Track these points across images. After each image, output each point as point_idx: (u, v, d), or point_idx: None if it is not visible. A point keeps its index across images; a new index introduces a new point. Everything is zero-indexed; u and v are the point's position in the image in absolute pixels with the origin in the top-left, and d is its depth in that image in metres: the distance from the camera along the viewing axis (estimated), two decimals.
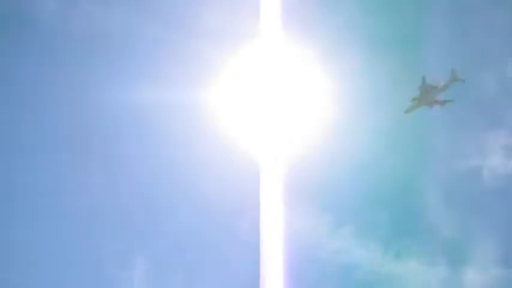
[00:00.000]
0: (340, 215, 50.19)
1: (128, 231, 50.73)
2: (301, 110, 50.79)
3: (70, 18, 52.29)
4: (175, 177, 50.40)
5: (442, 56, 51.57)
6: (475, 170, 50.48)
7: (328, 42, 50.81)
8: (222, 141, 50.41)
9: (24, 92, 52.08)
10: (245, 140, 50.53)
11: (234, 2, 51.46)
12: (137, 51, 51.97)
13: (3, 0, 52.49)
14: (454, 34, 51.63)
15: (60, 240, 50.44)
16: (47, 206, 50.87)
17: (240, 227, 49.77)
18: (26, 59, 52.29)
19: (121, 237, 50.49)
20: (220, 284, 49.86)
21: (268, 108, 50.58)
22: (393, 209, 50.16)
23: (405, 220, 50.19)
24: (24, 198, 50.93)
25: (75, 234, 50.51)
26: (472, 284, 48.23)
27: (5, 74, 51.92)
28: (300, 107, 50.82)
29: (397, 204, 50.25)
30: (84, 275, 49.99)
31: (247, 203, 49.59)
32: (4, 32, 52.29)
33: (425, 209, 50.07)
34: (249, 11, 50.91)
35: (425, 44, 51.37)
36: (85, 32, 52.00)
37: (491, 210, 49.95)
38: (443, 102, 48.97)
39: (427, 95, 48.40)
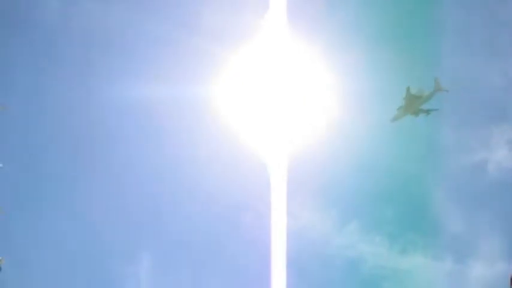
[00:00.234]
0: (346, 210, 50.31)
1: (135, 228, 50.88)
2: (307, 107, 50.81)
3: (71, 16, 52.29)
4: (180, 174, 50.51)
5: (448, 51, 51.58)
6: (481, 164, 50.57)
7: (332, 40, 50.81)
8: (228, 138, 50.49)
9: (25, 88, 52.07)
10: (251, 137, 50.60)
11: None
12: (139, 49, 51.97)
13: None
14: (459, 29, 51.67)
15: (68, 237, 50.60)
16: (53, 204, 51.01)
17: (246, 223, 49.90)
18: (27, 56, 52.29)
19: (128, 234, 50.64)
20: (227, 279, 50.01)
21: (273, 105, 50.65)
22: (399, 204, 50.24)
23: (411, 215, 50.29)
24: (32, 196, 51.06)
25: (82, 231, 50.68)
26: (477, 278, 48.34)
27: (6, 71, 51.90)
28: (305, 104, 50.85)
29: (402, 200, 50.33)
30: (91, 270, 50.18)
31: (254, 199, 49.72)
32: (5, 29, 52.25)
33: (431, 203, 50.16)
34: (252, 8, 50.90)
35: (431, 40, 51.36)
36: (86, 30, 52.01)
37: (497, 205, 50.02)
38: (428, 111, 49.96)
39: (411, 105, 49.68)
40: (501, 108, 51.15)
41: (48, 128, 51.54)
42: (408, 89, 49.49)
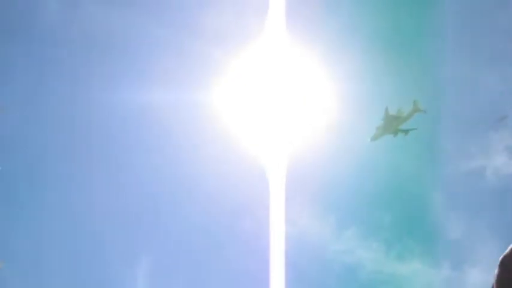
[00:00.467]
0: (344, 216, 50.39)
1: (133, 231, 50.91)
2: (306, 110, 50.80)
3: (72, 18, 52.21)
4: (179, 178, 50.52)
5: (447, 55, 51.65)
6: (479, 170, 50.60)
7: (332, 44, 50.80)
8: (226, 142, 50.48)
9: (26, 92, 52.06)
10: (250, 141, 50.58)
11: (238, 2, 51.37)
12: (141, 52, 51.93)
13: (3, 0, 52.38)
14: (459, 34, 51.70)
15: (65, 239, 50.63)
16: (51, 205, 51.03)
17: (243, 228, 49.93)
18: (26, 58, 52.24)
19: (126, 237, 50.67)
20: (225, 283, 50.07)
21: (272, 108, 50.62)
22: (397, 211, 50.33)
23: (409, 221, 50.38)
24: (31, 198, 51.10)
25: (80, 233, 50.69)
26: (475, 284, 48.40)
27: (6, 73, 51.88)
28: (304, 108, 50.83)
29: (400, 206, 50.41)
30: (89, 274, 50.22)
31: (252, 203, 49.72)
32: (4, 31, 52.22)
33: (429, 210, 50.24)
34: (253, 11, 50.86)
35: (430, 44, 51.46)
36: (87, 33, 51.93)
37: (495, 211, 50.06)
38: (406, 131, 50.36)
39: (390, 125, 50.02)
40: (500, 115, 51.15)
41: (47, 131, 51.57)
42: (387, 110, 49.74)
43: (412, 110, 50.19)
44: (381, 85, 50.93)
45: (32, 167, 51.27)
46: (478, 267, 48.85)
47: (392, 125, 49.83)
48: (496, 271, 10.37)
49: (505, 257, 10.30)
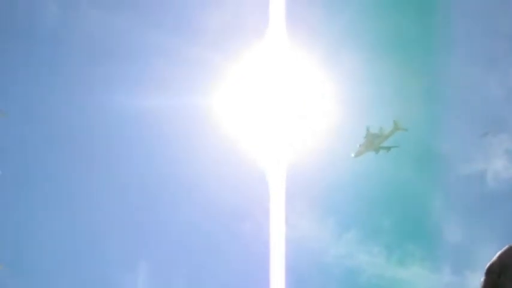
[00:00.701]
0: (344, 220, 50.31)
1: (132, 236, 50.90)
2: (305, 114, 50.74)
3: (71, 23, 52.20)
4: (179, 183, 50.51)
5: (447, 60, 51.58)
6: (479, 174, 50.49)
7: (332, 47, 50.78)
8: (226, 145, 50.43)
9: (25, 96, 52.09)
10: (249, 144, 50.52)
11: (237, 7, 51.35)
12: (140, 57, 51.94)
13: (2, 2, 52.38)
14: (458, 39, 51.65)
15: (64, 243, 50.63)
16: (51, 210, 51.03)
17: (243, 231, 49.88)
18: (26, 62, 52.23)
19: (125, 242, 50.67)
20: (225, 287, 50.03)
21: (271, 112, 50.58)
22: (397, 215, 50.23)
23: (409, 225, 50.25)
24: (30, 203, 51.11)
25: (79, 238, 50.69)
26: None
27: (4, 78, 51.92)
28: (303, 112, 50.77)
29: (400, 209, 50.31)
30: (88, 278, 50.18)
31: (251, 207, 49.67)
32: (3, 35, 52.22)
33: (429, 214, 50.14)
34: (252, 15, 50.84)
35: (430, 49, 51.37)
36: (86, 37, 51.94)
37: (495, 215, 49.95)
38: (388, 148, 51.32)
39: (371, 143, 51.16)
40: (500, 118, 51.10)
41: (46, 136, 51.60)
42: (368, 129, 50.88)
43: (393, 129, 51.27)
44: (381, 88, 50.93)
45: (31, 171, 51.34)
46: (479, 272, 48.56)
47: (374, 143, 51.15)
48: (482, 279, 10.26)
49: (491, 265, 10.18)
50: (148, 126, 50.60)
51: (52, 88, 51.50)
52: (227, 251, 50.40)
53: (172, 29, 51.64)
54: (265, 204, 49.23)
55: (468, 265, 48.90)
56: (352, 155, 51.39)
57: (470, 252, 49.09)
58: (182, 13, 52.02)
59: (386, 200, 50.16)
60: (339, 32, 50.75)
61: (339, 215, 50.31)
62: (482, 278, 10.61)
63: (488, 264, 10.59)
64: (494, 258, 10.55)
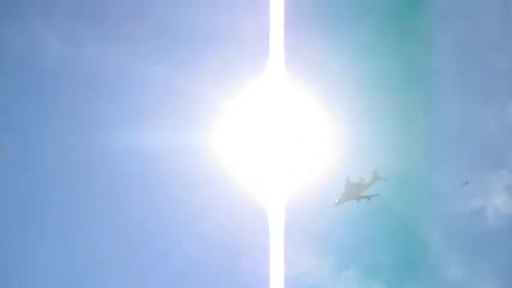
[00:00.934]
0: (343, 257, 50.24)
1: (132, 271, 50.92)
2: (304, 151, 50.94)
3: (70, 58, 52.49)
4: (178, 220, 50.56)
5: (445, 96, 51.88)
6: (479, 210, 50.49)
7: (331, 85, 51.09)
8: (225, 184, 50.53)
9: (27, 130, 52.32)
10: (249, 181, 50.65)
11: (237, 42, 51.68)
12: (138, 93, 52.19)
13: (5, 37, 52.73)
14: (456, 75, 51.95)
15: (65, 277, 50.68)
16: (50, 245, 51.09)
17: (243, 267, 49.87)
18: (25, 98, 52.54)
19: (125, 276, 50.66)
20: None
21: (271, 148, 50.81)
22: (396, 251, 50.13)
23: (408, 262, 50.14)
24: (29, 236, 51.20)
25: (81, 273, 50.71)
26: None
27: (5, 114, 52.15)
28: (303, 148, 50.97)
29: (400, 246, 50.23)
30: None
31: (251, 244, 49.70)
32: (6, 69, 52.53)
33: (429, 250, 50.04)
34: (253, 52, 51.18)
35: (428, 85, 51.65)
36: (86, 73, 52.23)
37: (495, 251, 49.87)
38: (369, 197, 52.36)
39: (352, 192, 52.30)
40: (499, 154, 51.20)
41: (45, 172, 51.71)
42: (348, 179, 51.96)
43: (372, 178, 52.21)
44: (379, 125, 51.12)
45: (28, 207, 51.42)
46: None
47: (354, 192, 52.04)
48: None
49: None
50: (147, 162, 50.78)
51: (49, 124, 51.87)
52: (227, 285, 50.43)
53: (172, 64, 52.03)
54: (265, 241, 49.36)
55: None
56: (336, 200, 52.34)
57: None
58: (184, 50, 52.45)
59: (386, 237, 50.19)
60: (339, 71, 51.09)
61: (338, 252, 50.34)
62: None
63: None
64: None
